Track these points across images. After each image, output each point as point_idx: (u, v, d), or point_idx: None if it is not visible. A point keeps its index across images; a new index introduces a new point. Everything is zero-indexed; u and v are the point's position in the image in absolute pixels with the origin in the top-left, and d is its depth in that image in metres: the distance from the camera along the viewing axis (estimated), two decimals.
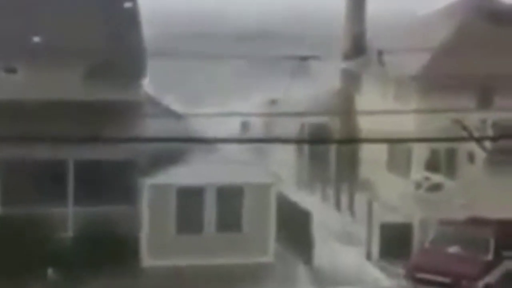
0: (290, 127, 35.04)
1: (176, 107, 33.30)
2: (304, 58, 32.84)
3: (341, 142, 35.49)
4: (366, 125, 33.92)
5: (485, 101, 33.81)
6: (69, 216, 28.67)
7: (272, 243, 28.88)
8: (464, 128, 31.34)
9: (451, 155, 33.70)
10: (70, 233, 28.47)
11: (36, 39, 30.81)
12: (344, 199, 34.34)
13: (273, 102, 39.80)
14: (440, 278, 26.04)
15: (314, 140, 38.70)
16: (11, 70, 30.49)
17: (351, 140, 33.63)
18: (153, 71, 31.71)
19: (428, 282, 26.13)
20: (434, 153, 33.53)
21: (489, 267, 26.34)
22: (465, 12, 36.12)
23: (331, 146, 37.40)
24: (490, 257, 26.54)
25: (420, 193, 31.36)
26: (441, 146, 33.25)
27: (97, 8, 32.60)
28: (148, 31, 32.19)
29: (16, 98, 29.65)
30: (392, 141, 30.67)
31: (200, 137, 28.79)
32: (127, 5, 32.79)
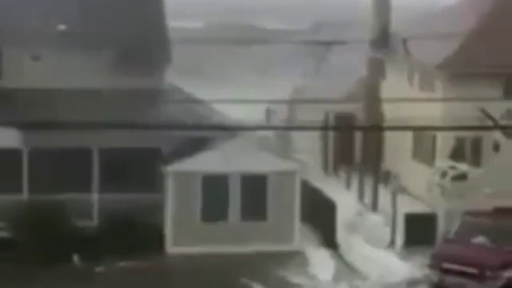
0: (314, 115, 34.93)
1: (201, 94, 33.26)
2: (329, 44, 32.77)
3: (365, 129, 35.36)
4: (391, 113, 33.78)
5: (511, 90, 33.57)
6: (94, 203, 28.79)
7: (296, 231, 28.90)
8: (490, 117, 31.16)
9: (477, 144, 33.53)
10: (95, 221, 28.60)
11: (61, 27, 30.90)
12: (368, 188, 34.23)
13: (298, 89, 39.71)
14: (465, 268, 25.92)
15: (339, 127, 38.60)
16: (36, 58, 30.60)
17: (375, 128, 33.50)
18: (178, 58, 31.72)
19: (453, 272, 26.03)
20: (459, 142, 33.36)
21: None
22: (491, 1, 35.82)
23: (355, 134, 37.31)
24: None
25: (445, 182, 31.21)
26: (467, 135, 33.07)
27: None
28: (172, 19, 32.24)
29: (41, 86, 29.79)
30: (416, 129, 30.51)
31: (225, 124, 28.79)
32: None
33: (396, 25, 36.36)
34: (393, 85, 36.57)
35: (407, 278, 27.10)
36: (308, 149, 36.64)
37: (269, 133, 37.75)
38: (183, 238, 28.35)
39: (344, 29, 39.14)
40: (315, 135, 38.07)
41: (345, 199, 32.27)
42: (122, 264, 27.15)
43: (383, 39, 35.36)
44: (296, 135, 38.05)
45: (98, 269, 27.02)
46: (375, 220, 31.69)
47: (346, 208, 30.98)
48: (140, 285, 26.32)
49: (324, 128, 37.27)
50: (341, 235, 29.62)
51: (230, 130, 27.68)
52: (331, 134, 38.13)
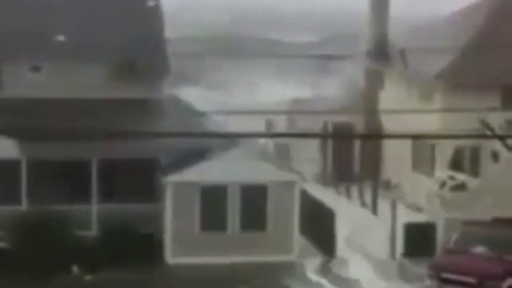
0: (313, 126, 35.01)
1: (201, 104, 33.35)
2: (328, 57, 32.84)
3: (363, 137, 35.39)
4: (389, 124, 33.84)
5: (509, 101, 33.63)
6: (93, 214, 28.76)
7: (296, 241, 28.87)
8: (488, 127, 31.19)
9: (475, 154, 33.55)
10: (94, 231, 28.56)
11: (60, 38, 30.93)
12: (368, 198, 34.26)
13: (297, 100, 39.82)
14: (464, 278, 25.91)
15: (338, 136, 38.62)
16: (36, 69, 30.62)
17: (374, 136, 33.54)
18: (178, 69, 31.78)
19: (452, 282, 26.01)
20: (458, 152, 33.40)
21: None
22: (489, 11, 35.94)
23: (355, 145, 37.35)
24: None
25: (444, 192, 31.24)
26: (465, 145, 33.11)
27: (120, 7, 32.70)
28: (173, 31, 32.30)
29: (40, 97, 29.79)
30: (415, 138, 30.57)
31: (224, 133, 28.79)
32: (150, 3, 32.88)
33: (394, 36, 36.48)
34: (392, 96, 36.63)
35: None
36: (307, 160, 36.67)
37: (268, 145, 37.81)
38: (182, 249, 28.30)
39: (352, 41, 39.13)
40: (315, 146, 38.11)
41: (344, 209, 32.28)
42: (121, 274, 27.09)
43: (381, 50, 35.48)
44: (295, 146, 38.08)
45: (97, 279, 26.97)
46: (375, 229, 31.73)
47: (345, 219, 30.97)
48: None
49: (323, 136, 37.30)
50: (340, 245, 29.61)
51: (228, 137, 27.68)
52: (330, 145, 38.16)
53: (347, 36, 41.51)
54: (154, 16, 32.62)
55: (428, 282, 26.53)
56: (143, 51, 30.94)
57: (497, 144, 32.58)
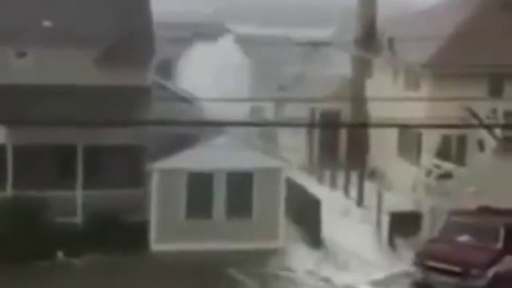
0: (300, 113, 35.01)
1: (186, 91, 33.29)
2: (315, 44, 32.80)
3: (350, 126, 35.40)
4: (376, 112, 33.82)
5: (496, 90, 33.68)
6: (78, 200, 28.69)
7: (282, 228, 28.88)
8: (475, 116, 31.25)
9: (462, 143, 33.60)
10: (79, 217, 28.50)
11: (46, 23, 30.77)
12: (354, 186, 34.28)
13: (283, 87, 39.85)
14: (449, 267, 25.96)
15: (324, 124, 38.66)
16: (21, 55, 30.46)
17: (360, 125, 33.54)
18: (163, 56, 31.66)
19: (438, 270, 26.05)
20: (444, 141, 33.43)
21: (498, 256, 26.24)
22: (478, 0, 35.93)
23: (341, 132, 37.39)
24: (499, 246, 26.43)
25: (430, 181, 31.30)
26: (452, 134, 33.15)
27: None
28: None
29: (25, 83, 29.64)
30: (401, 126, 30.60)
31: (210, 120, 28.74)
32: None
33: (382, 24, 36.43)
34: (379, 84, 36.63)
35: (391, 276, 27.15)
36: (293, 147, 36.68)
37: (254, 132, 37.80)
38: (168, 235, 28.28)
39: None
40: (301, 133, 38.12)
41: (330, 196, 32.31)
42: (106, 260, 27.07)
43: (369, 37, 35.44)
44: (282, 133, 38.10)
45: (82, 265, 26.94)
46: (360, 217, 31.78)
47: (330, 206, 31.00)
48: (124, 281, 26.25)
49: (310, 125, 37.33)
50: (325, 232, 29.65)
51: (215, 126, 27.64)
52: (316, 132, 38.18)
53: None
54: (140, 2, 32.46)
55: (413, 270, 26.56)
56: (129, 37, 30.77)
57: (483, 133, 32.65)
